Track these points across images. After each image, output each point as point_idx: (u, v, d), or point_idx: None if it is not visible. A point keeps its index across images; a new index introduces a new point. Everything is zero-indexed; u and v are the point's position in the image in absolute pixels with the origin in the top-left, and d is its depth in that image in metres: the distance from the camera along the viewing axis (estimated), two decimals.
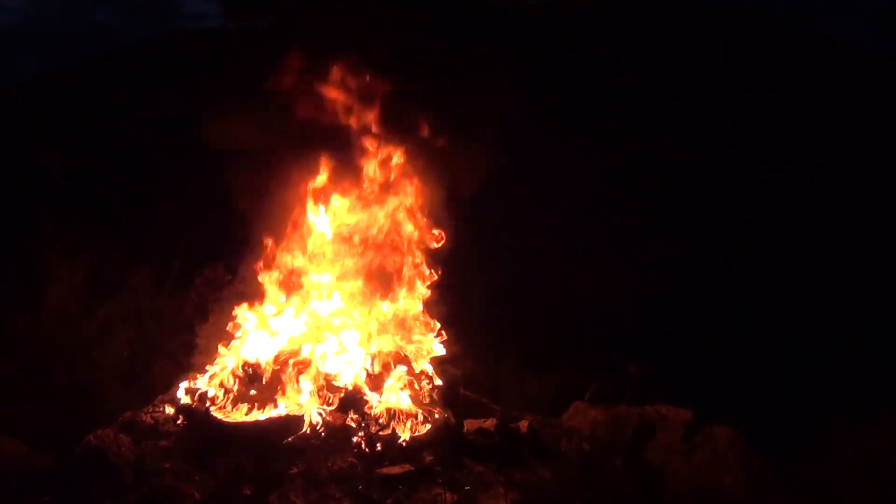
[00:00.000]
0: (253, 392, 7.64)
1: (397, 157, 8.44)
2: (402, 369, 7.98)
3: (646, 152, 12.34)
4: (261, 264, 8.44)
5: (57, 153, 12.85)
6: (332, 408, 7.45)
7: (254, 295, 8.45)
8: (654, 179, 12.26)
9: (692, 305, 11.40)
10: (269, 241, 8.41)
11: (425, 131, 8.31)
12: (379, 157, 8.44)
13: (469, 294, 9.66)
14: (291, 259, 8.43)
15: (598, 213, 12.35)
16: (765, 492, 7.10)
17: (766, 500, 7.02)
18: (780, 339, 10.79)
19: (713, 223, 12.57)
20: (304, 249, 8.44)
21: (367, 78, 8.25)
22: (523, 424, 7.83)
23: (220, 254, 9.70)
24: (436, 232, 8.57)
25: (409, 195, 8.49)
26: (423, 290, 8.59)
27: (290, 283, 8.40)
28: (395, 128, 8.30)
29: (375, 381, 7.79)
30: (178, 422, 7.47)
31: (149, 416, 7.53)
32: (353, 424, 7.35)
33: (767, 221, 12.52)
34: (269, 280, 8.41)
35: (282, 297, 8.38)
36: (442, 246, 8.58)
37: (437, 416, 7.68)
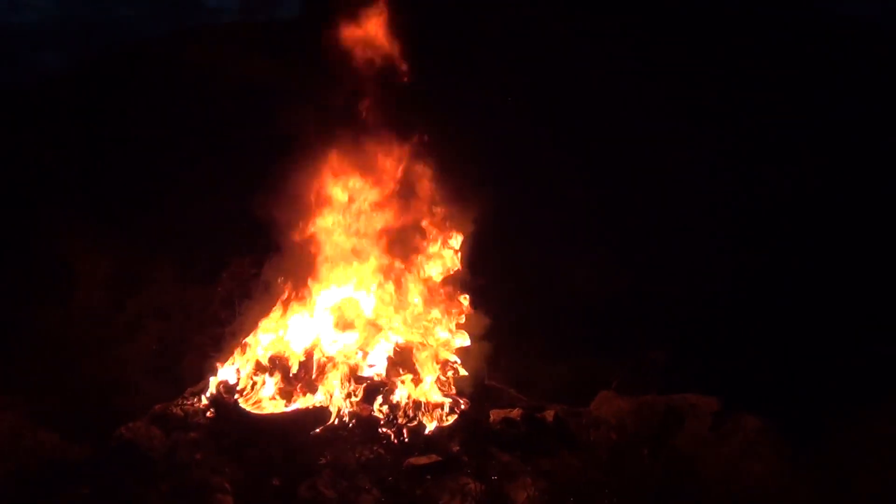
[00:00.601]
0: (280, 384, 7.76)
1: (416, 150, 8.52)
2: (427, 360, 8.04)
3: (666, 144, 12.24)
4: (286, 258, 8.53)
5: (82, 149, 13.01)
6: (358, 399, 7.54)
7: (280, 287, 8.55)
8: (677, 171, 12.17)
9: (720, 293, 11.30)
10: (293, 235, 8.49)
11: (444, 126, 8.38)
12: (399, 148, 8.51)
13: (494, 285, 9.64)
14: (316, 252, 8.51)
15: (622, 204, 12.29)
16: (796, 479, 7.04)
17: (798, 488, 6.96)
18: (811, 325, 10.66)
19: (741, 210, 12.47)
20: (328, 242, 8.51)
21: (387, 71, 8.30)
22: (549, 414, 7.84)
23: (245, 247, 9.80)
24: (458, 224, 8.62)
25: (431, 188, 8.57)
26: (448, 284, 8.66)
27: (316, 276, 8.49)
28: (417, 120, 8.34)
29: (402, 373, 7.86)
30: (208, 414, 7.59)
31: (179, 408, 7.67)
32: (380, 415, 7.43)
33: (799, 208, 12.37)
34: (294, 273, 8.50)
35: (308, 289, 8.46)
36: (465, 239, 8.63)
37: (463, 406, 7.75)
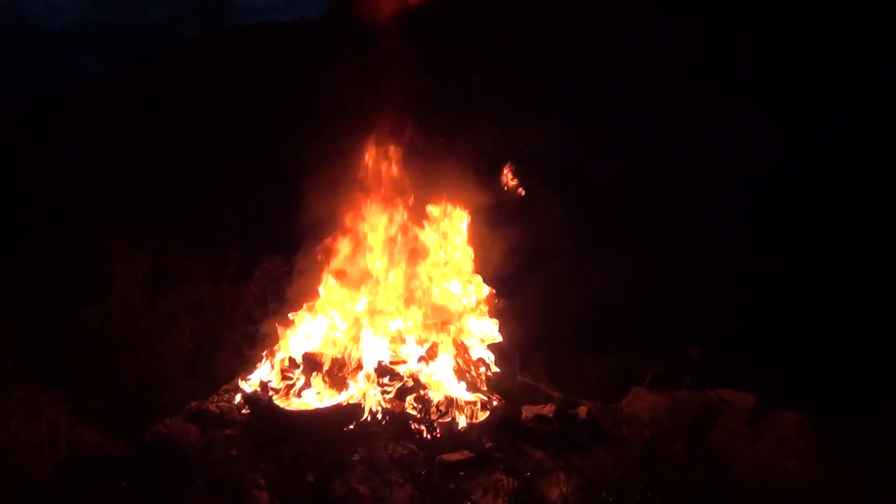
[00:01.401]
0: (313, 381, 7.82)
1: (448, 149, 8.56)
2: (460, 357, 8.09)
3: (700, 138, 12.13)
4: (319, 255, 8.61)
5: (117, 149, 13.23)
6: (390, 396, 7.59)
7: (312, 286, 8.65)
8: (713, 163, 12.05)
9: (757, 286, 11.18)
10: (325, 232, 8.56)
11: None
12: (430, 147, 8.55)
13: (525, 280, 9.65)
14: (348, 249, 8.58)
15: (655, 197, 12.19)
16: (834, 478, 6.95)
17: (836, 487, 6.88)
18: (851, 319, 10.51)
19: (782, 200, 12.30)
20: (359, 239, 8.58)
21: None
22: (582, 410, 7.86)
23: (277, 245, 9.89)
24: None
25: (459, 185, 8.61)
26: (478, 278, 8.68)
27: (347, 273, 8.56)
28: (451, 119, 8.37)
29: (434, 369, 7.90)
30: (243, 411, 7.71)
31: (214, 405, 7.79)
32: (413, 412, 7.48)
33: (842, 198, 12.13)
34: (326, 270, 8.58)
35: (339, 286, 8.52)
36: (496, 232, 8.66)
37: (495, 403, 7.76)
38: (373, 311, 8.27)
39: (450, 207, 8.74)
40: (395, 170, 8.61)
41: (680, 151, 12.23)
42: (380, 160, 8.59)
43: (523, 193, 8.81)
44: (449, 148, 8.60)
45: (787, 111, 12.56)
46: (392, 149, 8.59)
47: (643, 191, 12.15)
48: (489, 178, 8.84)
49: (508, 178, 8.90)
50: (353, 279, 8.48)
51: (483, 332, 8.49)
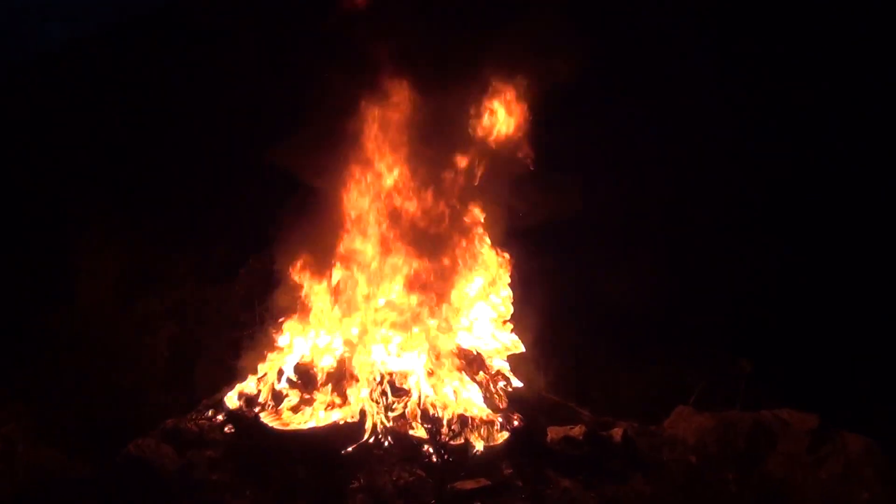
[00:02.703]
0: (307, 396, 7.79)
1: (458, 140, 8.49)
2: (475, 370, 8.04)
3: (729, 143, 12.29)
4: (311, 252, 8.56)
5: (88, 133, 13.23)
6: (395, 414, 7.54)
7: (306, 287, 8.56)
8: (752, 169, 12.18)
9: (819, 293, 11.14)
10: (319, 225, 8.51)
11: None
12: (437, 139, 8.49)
13: (551, 283, 9.63)
14: (345, 246, 8.52)
15: (702, 200, 12.28)
16: None
17: None
18: None
19: (834, 208, 12.39)
20: (358, 234, 8.51)
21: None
22: (617, 432, 7.79)
23: (266, 241, 9.88)
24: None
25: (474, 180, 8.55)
26: (497, 277, 8.61)
27: (347, 274, 8.48)
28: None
29: (445, 384, 7.84)
30: (226, 429, 7.65)
31: (193, 422, 7.73)
32: (421, 432, 7.42)
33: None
34: (321, 269, 8.51)
35: (337, 288, 8.46)
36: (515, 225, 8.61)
37: (516, 422, 7.70)
38: (375, 316, 8.21)
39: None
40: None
41: (712, 155, 12.38)
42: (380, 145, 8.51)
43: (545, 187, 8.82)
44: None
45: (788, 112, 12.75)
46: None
47: (684, 194, 12.26)
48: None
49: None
50: (354, 278, 8.41)
51: (502, 341, 8.45)
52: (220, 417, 7.79)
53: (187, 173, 12.21)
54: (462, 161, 8.38)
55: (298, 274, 8.47)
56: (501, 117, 8.48)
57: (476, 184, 8.47)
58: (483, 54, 8.16)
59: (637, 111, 12.10)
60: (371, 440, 7.33)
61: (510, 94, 8.42)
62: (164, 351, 9.81)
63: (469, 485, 6.89)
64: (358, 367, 7.84)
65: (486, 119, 8.46)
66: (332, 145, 8.33)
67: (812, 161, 12.61)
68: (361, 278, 8.36)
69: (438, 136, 8.33)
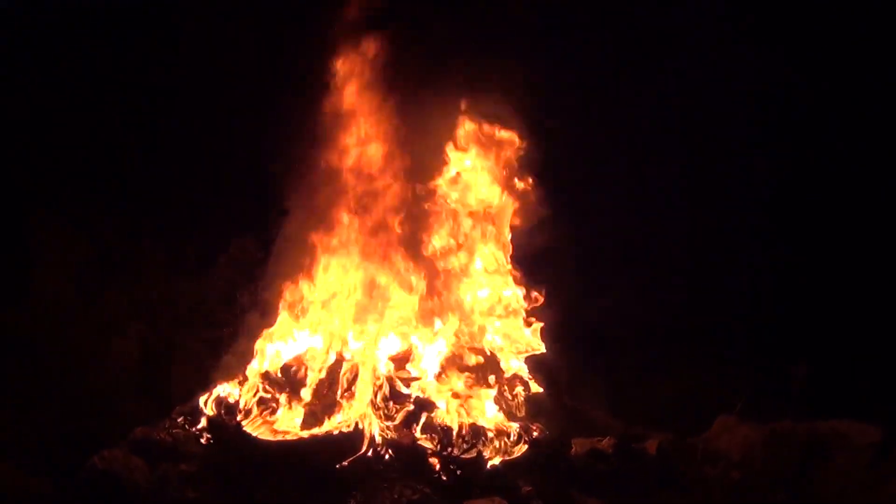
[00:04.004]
0: (296, 402, 7.79)
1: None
2: (488, 372, 8.02)
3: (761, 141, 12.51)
4: (299, 239, 8.58)
5: (42, 104, 13.18)
6: (397, 422, 7.54)
7: (293, 279, 8.59)
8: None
9: (883, 291, 11.18)
10: (308, 208, 8.53)
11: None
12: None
13: (574, 277, 9.65)
14: (340, 231, 8.54)
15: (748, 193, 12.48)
16: None
17: None
18: None
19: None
20: (353, 220, 8.53)
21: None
22: (651, 445, 7.81)
23: (248, 225, 9.88)
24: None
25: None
26: (510, 266, 8.67)
27: (340, 263, 8.51)
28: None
29: (453, 388, 7.85)
30: (203, 439, 7.67)
31: (167, 432, 7.73)
32: (427, 444, 7.41)
33: None
34: (311, 259, 8.54)
35: (329, 281, 8.50)
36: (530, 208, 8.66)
37: (535, 433, 7.70)
38: (374, 312, 8.24)
39: None
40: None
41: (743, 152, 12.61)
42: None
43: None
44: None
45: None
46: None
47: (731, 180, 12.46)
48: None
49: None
50: (348, 268, 8.44)
51: (520, 341, 8.47)
52: (196, 426, 7.80)
53: (156, 149, 12.17)
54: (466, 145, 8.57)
55: (286, 264, 8.49)
56: None
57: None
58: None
59: (636, 112, 12.28)
60: (370, 453, 7.31)
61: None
62: (132, 352, 9.82)
63: None
64: (354, 369, 7.85)
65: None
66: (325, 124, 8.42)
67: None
68: (358, 270, 8.39)
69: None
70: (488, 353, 8.24)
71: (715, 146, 12.53)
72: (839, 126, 12.64)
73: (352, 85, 8.51)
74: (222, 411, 7.87)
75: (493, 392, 7.97)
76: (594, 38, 11.51)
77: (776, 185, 12.42)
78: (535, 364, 8.39)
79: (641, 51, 12.19)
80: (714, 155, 12.55)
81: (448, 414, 7.63)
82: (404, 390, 7.75)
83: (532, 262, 8.74)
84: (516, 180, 8.80)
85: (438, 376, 7.88)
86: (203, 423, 7.80)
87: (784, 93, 12.44)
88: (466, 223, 8.65)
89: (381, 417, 7.54)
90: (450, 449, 7.39)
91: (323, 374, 7.89)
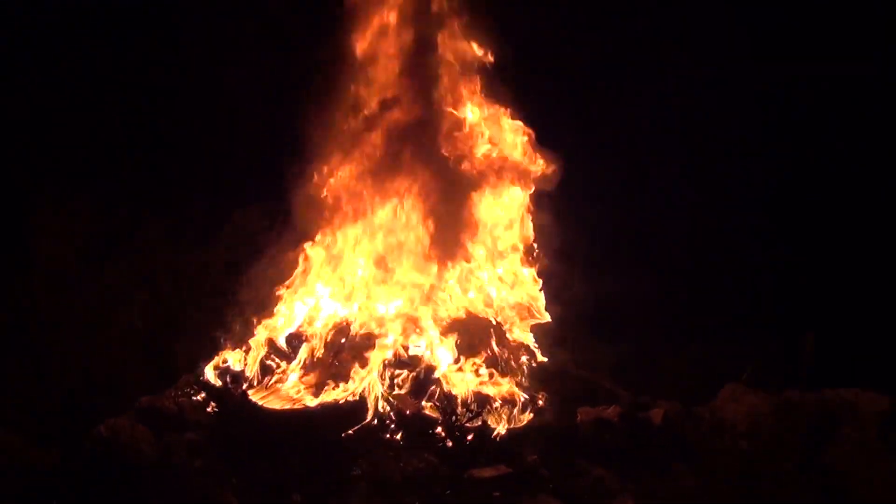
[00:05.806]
0: (302, 371, 7.83)
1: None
2: (494, 341, 8.05)
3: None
4: (306, 206, 8.58)
5: (42, 73, 13.12)
6: (404, 391, 7.57)
7: (300, 246, 8.63)
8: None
9: (888, 257, 11.15)
10: (316, 174, 8.52)
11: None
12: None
13: (583, 245, 9.64)
14: (347, 198, 8.53)
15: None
16: None
17: None
18: None
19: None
20: (362, 185, 8.52)
21: None
22: (657, 414, 7.80)
23: (252, 193, 9.86)
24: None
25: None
26: (521, 232, 8.69)
27: (346, 231, 8.53)
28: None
29: (460, 356, 7.87)
30: (209, 408, 7.73)
31: (172, 401, 7.77)
32: (433, 413, 7.45)
33: None
34: (318, 226, 8.56)
35: (336, 247, 8.53)
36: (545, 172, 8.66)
37: (541, 402, 7.74)
38: (383, 279, 8.29)
39: None
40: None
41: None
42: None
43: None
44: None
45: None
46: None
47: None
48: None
49: None
50: (355, 236, 8.47)
51: (525, 309, 8.50)
52: (202, 395, 7.85)
53: (159, 117, 12.14)
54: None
55: (292, 232, 8.50)
56: None
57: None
58: None
59: (638, 111, 12.28)
60: (375, 422, 7.36)
61: None
62: (136, 323, 9.86)
63: (487, 473, 6.92)
64: (360, 337, 7.88)
65: None
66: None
67: None
68: (365, 236, 8.41)
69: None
70: (494, 323, 8.25)
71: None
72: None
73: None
74: (228, 380, 7.92)
75: (499, 361, 8.00)
76: (594, 38, 11.53)
77: (786, 158, 12.41)
78: (543, 334, 8.40)
79: (641, 51, 12.19)
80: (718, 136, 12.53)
81: (454, 383, 7.67)
82: (410, 359, 7.78)
83: (541, 233, 8.73)
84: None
85: (445, 345, 7.88)
86: (208, 392, 7.86)
87: (784, 93, 12.45)
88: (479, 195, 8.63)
89: (386, 386, 7.56)
90: (455, 418, 7.43)
91: (329, 343, 7.93)
